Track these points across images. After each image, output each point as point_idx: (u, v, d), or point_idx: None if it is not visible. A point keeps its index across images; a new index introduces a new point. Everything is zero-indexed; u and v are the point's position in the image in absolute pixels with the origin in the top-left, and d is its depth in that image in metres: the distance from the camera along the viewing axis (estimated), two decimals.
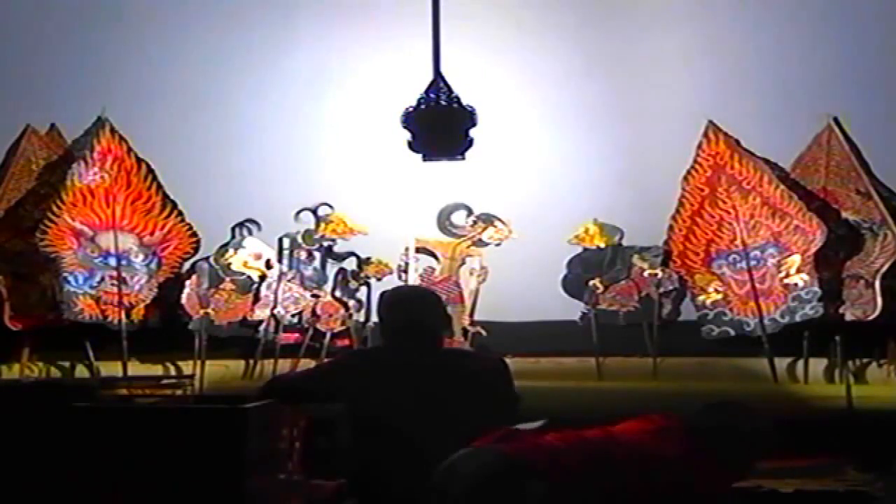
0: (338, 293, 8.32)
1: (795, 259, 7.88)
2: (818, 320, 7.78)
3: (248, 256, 8.31)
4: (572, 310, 8.31)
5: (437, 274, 8.37)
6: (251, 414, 3.26)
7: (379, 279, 8.29)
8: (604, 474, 3.25)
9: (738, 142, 8.06)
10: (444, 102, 7.12)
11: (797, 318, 7.83)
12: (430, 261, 8.45)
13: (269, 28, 9.35)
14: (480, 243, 8.42)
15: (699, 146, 8.08)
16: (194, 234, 8.27)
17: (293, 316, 8.26)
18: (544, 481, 3.17)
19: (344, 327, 8.23)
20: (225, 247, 8.33)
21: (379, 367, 3.96)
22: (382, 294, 4.31)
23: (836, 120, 8.08)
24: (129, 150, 8.16)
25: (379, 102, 8.31)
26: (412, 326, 4.01)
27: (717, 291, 8.07)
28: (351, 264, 8.38)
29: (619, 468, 3.28)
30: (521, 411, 4.05)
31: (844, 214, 7.97)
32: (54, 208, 8.04)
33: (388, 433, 3.81)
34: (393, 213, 8.55)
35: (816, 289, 7.82)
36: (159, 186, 8.20)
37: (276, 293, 8.20)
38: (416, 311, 4.06)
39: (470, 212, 8.47)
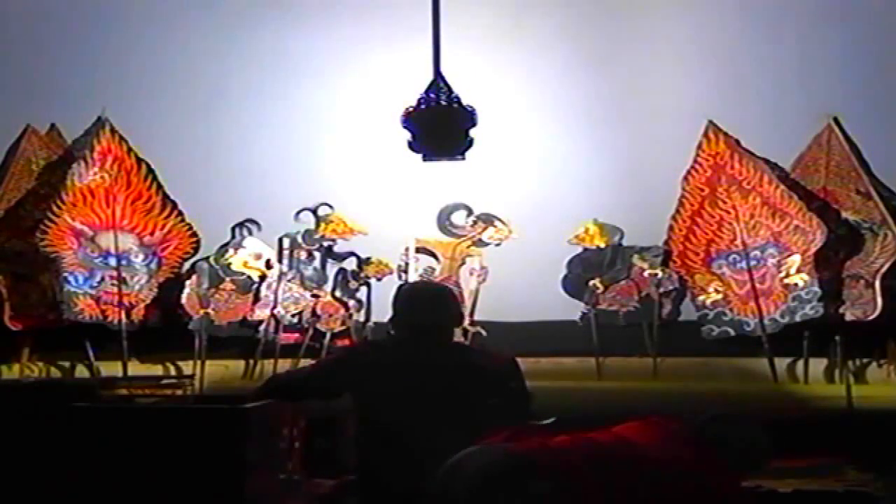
0: (338, 293, 8.32)
1: (795, 259, 7.88)
2: (818, 320, 7.78)
3: (248, 256, 8.30)
4: (572, 310, 8.30)
5: (437, 274, 8.37)
6: (251, 414, 3.26)
7: (379, 279, 8.29)
8: (608, 475, 3.24)
9: (738, 142, 8.06)
10: (444, 102, 7.11)
11: (797, 318, 7.83)
12: (430, 261, 8.45)
13: (269, 29, 9.35)
14: (480, 243, 8.42)
15: (699, 146, 8.08)
16: (194, 234, 8.27)
17: (293, 316, 8.26)
18: (548, 481, 3.17)
19: (344, 327, 8.23)
20: (225, 247, 8.33)
21: (386, 363, 3.92)
22: (400, 288, 4.26)
23: (836, 120, 8.09)
24: (129, 150, 8.15)
25: (379, 102, 8.31)
26: (428, 325, 3.98)
27: (717, 291, 8.07)
28: (351, 264, 8.38)
29: (624, 469, 3.27)
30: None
31: (844, 214, 7.97)
32: (54, 208, 8.04)
33: (394, 428, 3.78)
34: (393, 213, 8.55)
35: (816, 289, 7.82)
36: (159, 186, 8.20)
37: (276, 293, 8.20)
38: (434, 310, 4.02)
39: (470, 212, 8.47)
